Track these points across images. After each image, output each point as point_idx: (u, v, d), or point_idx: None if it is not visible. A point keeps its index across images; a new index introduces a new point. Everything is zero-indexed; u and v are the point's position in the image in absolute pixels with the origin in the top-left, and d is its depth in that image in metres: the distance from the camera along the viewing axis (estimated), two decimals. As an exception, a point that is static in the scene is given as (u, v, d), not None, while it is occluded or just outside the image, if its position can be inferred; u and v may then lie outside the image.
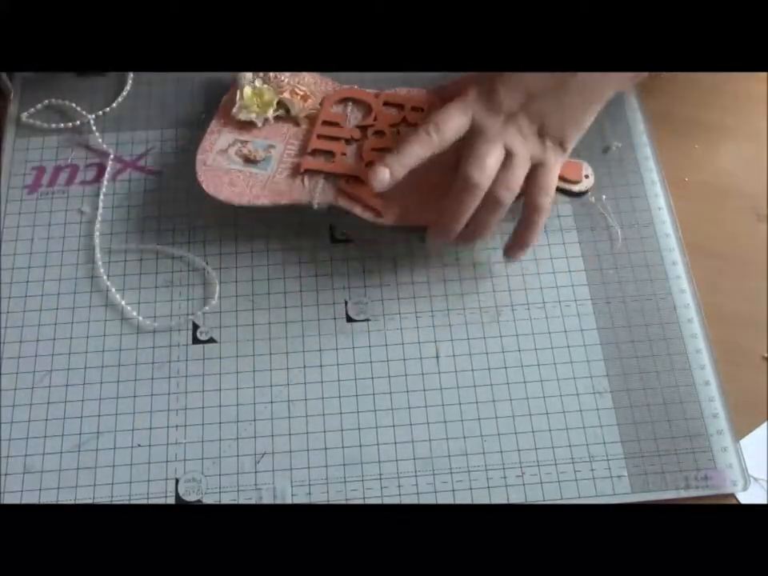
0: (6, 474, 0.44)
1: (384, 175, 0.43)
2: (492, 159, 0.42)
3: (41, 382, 0.46)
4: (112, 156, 0.53)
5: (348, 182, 0.47)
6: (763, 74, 0.57)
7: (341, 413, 0.46)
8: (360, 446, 0.45)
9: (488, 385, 0.46)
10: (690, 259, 0.50)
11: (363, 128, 0.50)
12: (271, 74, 0.50)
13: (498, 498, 0.44)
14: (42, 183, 0.52)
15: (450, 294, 0.49)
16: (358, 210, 0.47)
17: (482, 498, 0.44)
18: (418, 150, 0.43)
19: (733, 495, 0.44)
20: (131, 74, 0.56)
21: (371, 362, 0.47)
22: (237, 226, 0.51)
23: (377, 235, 0.50)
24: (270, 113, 0.49)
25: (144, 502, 0.43)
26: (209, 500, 0.44)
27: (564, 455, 0.45)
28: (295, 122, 0.50)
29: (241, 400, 0.46)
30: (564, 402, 0.46)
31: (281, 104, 0.50)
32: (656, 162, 0.53)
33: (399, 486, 0.44)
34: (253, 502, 0.43)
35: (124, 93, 0.55)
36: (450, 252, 0.50)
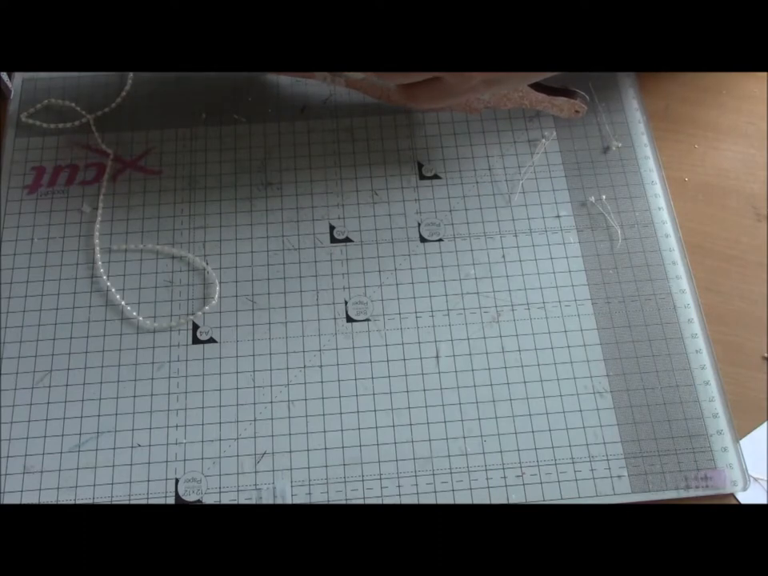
0: (6, 474, 0.44)
1: None
2: None
3: (41, 382, 0.46)
4: (112, 156, 0.53)
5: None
6: (763, 74, 0.57)
7: (341, 413, 0.46)
8: (360, 446, 0.45)
9: (488, 385, 0.46)
10: (690, 259, 0.50)
11: None
12: None
13: (498, 498, 0.44)
14: (42, 183, 0.52)
15: (449, 294, 0.49)
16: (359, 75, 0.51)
17: (482, 498, 0.44)
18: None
19: (733, 495, 0.44)
20: (131, 74, 0.56)
21: (371, 362, 0.47)
22: (237, 226, 0.51)
23: (377, 235, 0.50)
24: None
25: (144, 501, 0.43)
26: (209, 500, 0.44)
27: (564, 455, 0.45)
28: None
29: (241, 400, 0.46)
30: (564, 401, 0.46)
31: None
32: (656, 161, 0.53)
33: (399, 486, 0.44)
34: (253, 501, 0.44)
35: (124, 93, 0.55)
36: (449, 252, 0.50)
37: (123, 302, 0.48)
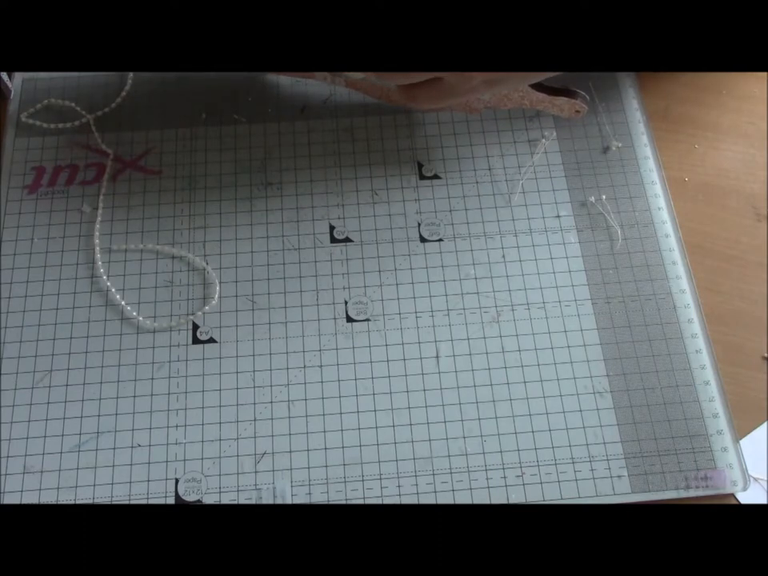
0: (6, 474, 0.44)
1: None
2: None
3: (41, 382, 0.46)
4: (112, 156, 0.53)
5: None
6: (763, 74, 0.57)
7: (341, 413, 0.46)
8: (360, 446, 0.45)
9: (488, 385, 0.46)
10: (690, 259, 0.50)
11: None
12: None
13: (498, 498, 0.44)
14: (42, 183, 0.52)
15: (449, 294, 0.49)
16: (359, 75, 0.51)
17: (482, 498, 0.44)
18: None
19: (733, 495, 0.44)
20: (131, 74, 0.56)
21: (371, 362, 0.47)
22: (237, 226, 0.51)
23: (377, 235, 0.50)
24: None
25: (144, 501, 0.43)
26: (209, 500, 0.44)
27: (564, 455, 0.45)
28: None
29: (241, 400, 0.46)
30: (564, 402, 0.46)
31: None
32: (656, 161, 0.53)
33: (399, 486, 0.44)
34: (253, 501, 0.44)
35: (124, 93, 0.55)
36: (449, 252, 0.50)
37: (123, 302, 0.48)
